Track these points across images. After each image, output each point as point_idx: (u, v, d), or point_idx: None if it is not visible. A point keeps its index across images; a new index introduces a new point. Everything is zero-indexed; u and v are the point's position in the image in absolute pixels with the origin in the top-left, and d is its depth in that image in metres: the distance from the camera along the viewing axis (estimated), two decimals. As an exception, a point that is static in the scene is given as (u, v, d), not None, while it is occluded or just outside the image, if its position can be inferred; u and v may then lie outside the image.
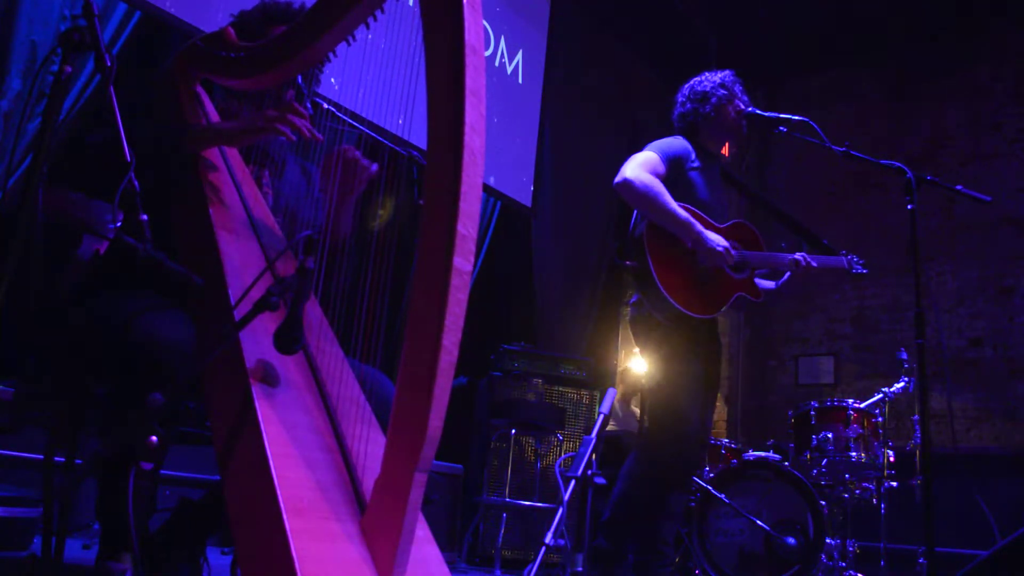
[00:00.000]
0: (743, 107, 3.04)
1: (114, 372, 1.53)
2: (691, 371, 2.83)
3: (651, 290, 2.75)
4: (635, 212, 2.91)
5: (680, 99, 3.11)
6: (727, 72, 3.08)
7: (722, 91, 3.02)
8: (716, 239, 2.82)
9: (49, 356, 1.62)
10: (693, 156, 2.96)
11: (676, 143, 2.97)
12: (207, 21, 3.70)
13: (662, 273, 2.74)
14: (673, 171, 2.88)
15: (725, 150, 3.16)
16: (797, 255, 3.03)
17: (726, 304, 2.86)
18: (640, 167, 2.81)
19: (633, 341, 3.06)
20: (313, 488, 1.31)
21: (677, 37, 6.69)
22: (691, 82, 3.10)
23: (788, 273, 3.06)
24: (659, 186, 2.78)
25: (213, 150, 1.81)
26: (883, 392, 4.17)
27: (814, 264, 3.05)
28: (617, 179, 2.80)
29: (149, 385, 1.26)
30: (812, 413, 4.03)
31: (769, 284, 3.08)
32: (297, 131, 1.70)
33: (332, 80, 2.10)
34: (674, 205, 2.78)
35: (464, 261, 1.25)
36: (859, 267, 3.27)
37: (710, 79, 3.05)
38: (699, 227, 2.80)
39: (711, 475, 3.80)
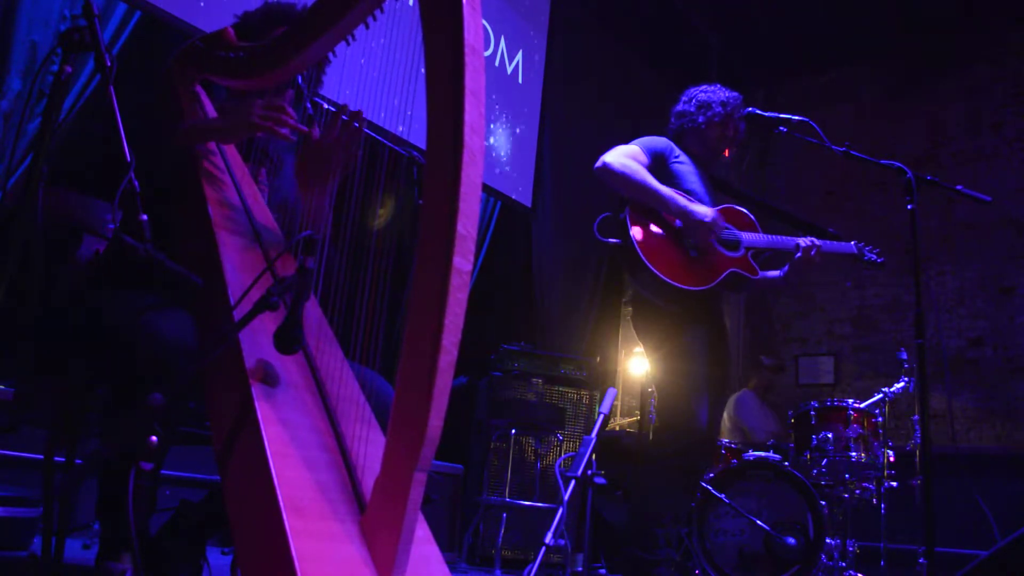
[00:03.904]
0: (731, 134, 3.07)
1: (114, 371, 1.53)
2: (695, 370, 2.81)
3: (639, 270, 2.76)
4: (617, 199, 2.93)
5: (684, 99, 3.15)
6: (736, 95, 3.10)
7: (720, 109, 3.04)
8: (703, 210, 2.82)
9: (49, 356, 1.62)
10: (677, 151, 3.01)
11: (659, 140, 3.03)
12: (207, 21, 3.70)
13: (648, 250, 2.76)
14: (655, 163, 2.93)
15: (726, 152, 3.17)
16: (800, 239, 3.01)
17: (718, 278, 2.84)
18: (619, 153, 2.89)
19: (635, 341, 3.06)
20: (313, 488, 1.31)
21: (677, 37, 6.69)
22: (702, 88, 3.13)
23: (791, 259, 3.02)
24: (637, 166, 2.84)
25: (212, 150, 1.81)
26: (883, 392, 4.17)
27: (822, 247, 3.02)
28: (596, 164, 2.88)
29: (149, 385, 1.26)
30: (812, 413, 4.03)
31: (775, 273, 3.04)
32: (289, 128, 1.70)
33: (331, 80, 2.10)
34: (654, 181, 2.83)
35: (464, 261, 1.24)
36: (873, 255, 3.23)
37: (717, 94, 3.08)
38: (682, 201, 2.82)
39: (711, 475, 3.80)
